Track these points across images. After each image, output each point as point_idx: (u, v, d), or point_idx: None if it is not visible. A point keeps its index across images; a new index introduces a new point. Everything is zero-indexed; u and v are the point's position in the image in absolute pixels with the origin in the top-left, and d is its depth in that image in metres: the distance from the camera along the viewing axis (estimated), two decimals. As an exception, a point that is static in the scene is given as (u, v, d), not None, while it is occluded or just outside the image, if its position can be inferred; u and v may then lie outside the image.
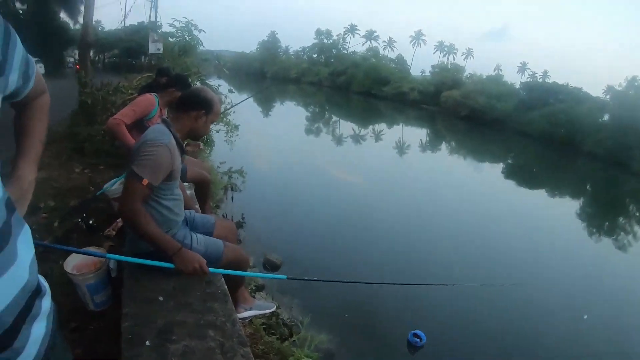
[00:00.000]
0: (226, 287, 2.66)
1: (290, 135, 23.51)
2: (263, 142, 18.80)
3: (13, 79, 1.08)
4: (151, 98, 4.25)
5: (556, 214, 17.79)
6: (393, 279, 2.71)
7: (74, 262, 2.94)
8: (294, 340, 4.25)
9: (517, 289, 7.61)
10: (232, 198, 10.02)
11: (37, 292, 1.07)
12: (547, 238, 13.01)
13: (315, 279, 2.86)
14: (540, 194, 21.86)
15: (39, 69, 1.28)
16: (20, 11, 33.92)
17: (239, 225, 8.76)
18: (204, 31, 10.71)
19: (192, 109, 2.58)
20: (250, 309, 3.11)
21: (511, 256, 10.64)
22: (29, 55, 1.17)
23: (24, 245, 1.03)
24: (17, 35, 1.05)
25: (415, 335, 6.10)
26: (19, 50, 1.07)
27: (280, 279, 7.19)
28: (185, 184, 4.15)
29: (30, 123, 1.40)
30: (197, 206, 3.86)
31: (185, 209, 2.92)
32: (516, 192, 21.08)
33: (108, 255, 2.61)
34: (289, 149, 18.75)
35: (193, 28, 10.57)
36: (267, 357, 3.30)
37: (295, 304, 6.59)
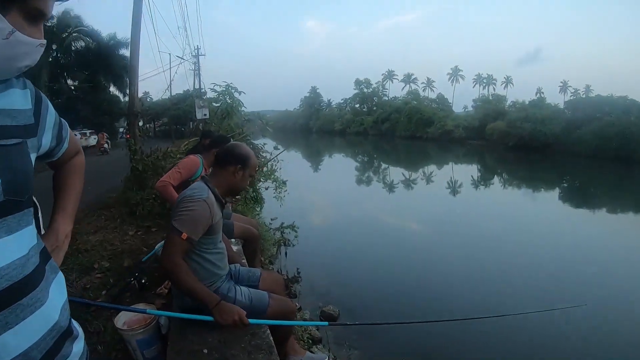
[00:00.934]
0: (272, 338, 2.67)
1: (341, 186, 23.64)
2: (314, 196, 18.95)
3: (47, 140, 1.24)
4: (195, 159, 4.49)
5: (621, 231, 16.90)
6: (459, 314, 2.64)
7: (124, 319, 3.07)
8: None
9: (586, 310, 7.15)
10: (286, 253, 10.07)
11: (68, 334, 1.18)
12: (616, 258, 12.33)
13: (357, 322, 2.85)
14: (601, 214, 20.89)
15: (73, 134, 1.43)
16: (72, 87, 36.62)
17: (295, 280, 8.75)
18: (244, 92, 11.15)
19: (229, 164, 2.69)
20: (301, 360, 3.11)
21: (578, 279, 10.27)
22: (62, 119, 1.33)
23: (57, 290, 1.16)
24: (48, 101, 1.22)
25: None
26: (50, 114, 1.23)
27: (327, 327, 7.22)
28: (232, 240, 4.26)
29: (66, 181, 1.53)
30: (244, 261, 3.93)
31: (230, 263, 3.00)
32: (576, 215, 20.28)
33: (148, 310, 2.72)
34: (341, 201, 18.79)
35: (233, 90, 10.98)
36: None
37: (355, 355, 6.47)
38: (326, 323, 2.61)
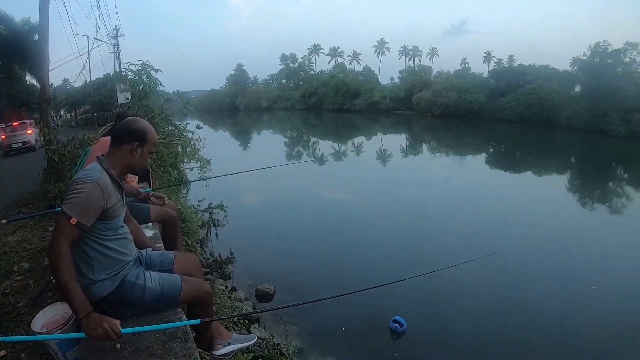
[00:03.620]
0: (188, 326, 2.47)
1: (270, 163, 23.38)
2: (244, 175, 18.60)
3: None
4: (106, 140, 4.08)
5: (546, 191, 17.82)
6: (381, 280, 2.62)
7: (42, 321, 2.69)
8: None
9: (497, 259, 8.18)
10: (217, 235, 9.79)
11: None
12: (541, 217, 13.01)
13: (261, 310, 2.64)
14: (527, 176, 21.88)
15: None
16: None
17: (228, 261, 8.55)
18: (160, 71, 10.57)
19: (125, 142, 2.39)
20: (229, 343, 2.88)
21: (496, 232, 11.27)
22: None
23: None
24: None
25: (395, 321, 6.58)
26: None
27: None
28: (149, 224, 3.95)
29: None
30: (160, 245, 3.64)
31: (141, 248, 2.73)
32: (503, 178, 21.17)
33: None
34: (271, 178, 18.57)
35: (149, 69, 10.40)
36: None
37: (294, 330, 6.40)
38: (198, 321, 2.36)
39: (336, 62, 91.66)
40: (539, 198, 16.17)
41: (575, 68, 43.41)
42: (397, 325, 6.54)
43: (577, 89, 41.10)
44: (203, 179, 9.06)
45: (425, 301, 7.42)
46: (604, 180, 20.87)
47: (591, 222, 13.60)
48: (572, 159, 27.96)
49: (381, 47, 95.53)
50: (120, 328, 2.08)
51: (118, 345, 2.25)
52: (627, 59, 38.83)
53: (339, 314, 6.85)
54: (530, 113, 40.56)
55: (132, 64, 10.50)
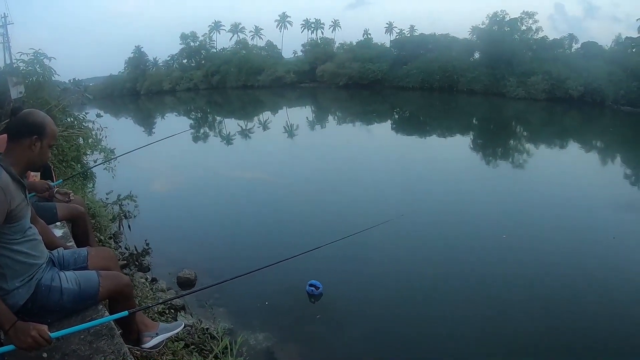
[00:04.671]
0: (112, 321, 2.42)
1: (177, 147, 22.76)
2: (150, 162, 18.02)
3: None
4: (2, 138, 3.79)
5: (451, 151, 18.81)
6: (300, 249, 2.70)
7: None
8: (216, 353, 4.05)
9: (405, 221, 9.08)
10: (130, 227, 9.45)
11: None
12: (449, 176, 13.82)
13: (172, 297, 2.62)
14: (432, 139, 22.91)
15: None
16: None
17: (145, 252, 8.30)
18: (54, 58, 9.88)
19: (23, 137, 2.21)
20: (157, 334, 2.84)
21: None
22: None
23: None
24: None
25: (311, 285, 7.04)
26: None
27: (187, 295, 7.13)
28: (57, 223, 3.77)
29: None
30: (71, 244, 3.49)
31: (52, 249, 2.61)
32: (410, 142, 21.98)
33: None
34: (179, 163, 18.14)
35: (42, 58, 9.70)
36: (191, 378, 3.07)
37: (220, 313, 6.42)
38: (126, 313, 2.34)
39: (238, 39, 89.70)
40: (444, 158, 17.07)
41: (475, 36, 45.71)
42: (313, 288, 7.00)
43: (477, 55, 43.50)
44: (103, 162, 8.71)
45: (339, 265, 7.82)
46: (505, 138, 22.36)
47: (495, 177, 14.61)
48: (473, 120, 29.52)
49: (283, 21, 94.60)
50: (49, 333, 1.99)
51: (44, 355, 2.15)
52: (524, 27, 41.72)
53: (261, 288, 7.01)
54: (432, 79, 42.41)
55: (23, 54, 9.74)
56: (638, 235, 9.76)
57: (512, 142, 21.83)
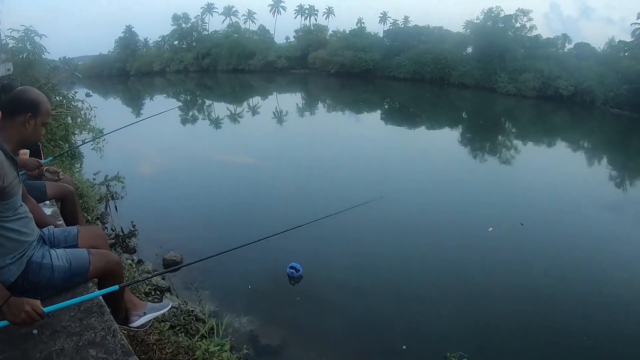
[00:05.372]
0: (102, 298, 2.44)
1: (165, 130, 22.63)
2: (138, 144, 17.92)
3: None
4: None
5: (439, 143, 18.99)
6: (283, 227, 2.79)
7: None
8: (202, 333, 4.09)
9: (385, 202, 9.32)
10: (116, 208, 9.41)
11: None
12: (435, 168, 13.98)
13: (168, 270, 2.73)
14: (420, 130, 23.03)
15: None
16: None
17: (132, 234, 8.29)
18: (45, 36, 9.74)
19: (17, 114, 2.25)
20: (144, 313, 2.87)
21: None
22: None
23: None
24: None
25: (291, 267, 7.30)
26: None
27: (172, 274, 7.20)
28: (46, 202, 3.77)
29: None
30: (61, 222, 3.49)
31: (43, 227, 2.62)
32: (398, 132, 22.10)
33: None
34: (167, 145, 18.05)
35: (33, 35, 9.56)
36: (176, 359, 3.10)
37: (206, 295, 6.47)
38: (117, 287, 2.37)
39: (230, 22, 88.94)
40: (431, 149, 17.27)
41: (468, 30, 45.75)
42: (293, 271, 7.27)
43: (469, 50, 43.65)
44: (91, 140, 8.66)
45: (319, 246, 8.23)
46: (494, 133, 22.56)
47: (481, 170, 14.81)
48: (463, 114, 29.69)
49: (277, 6, 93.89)
50: (42, 308, 2.02)
51: (35, 331, 2.16)
52: (518, 25, 41.94)
53: (244, 270, 7.30)
54: (424, 71, 42.55)
55: (14, 31, 9.58)
56: (616, 228, 10.44)
57: (500, 137, 22.05)
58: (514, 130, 24.43)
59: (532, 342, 6.01)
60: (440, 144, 18.84)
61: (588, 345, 6.02)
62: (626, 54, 38.24)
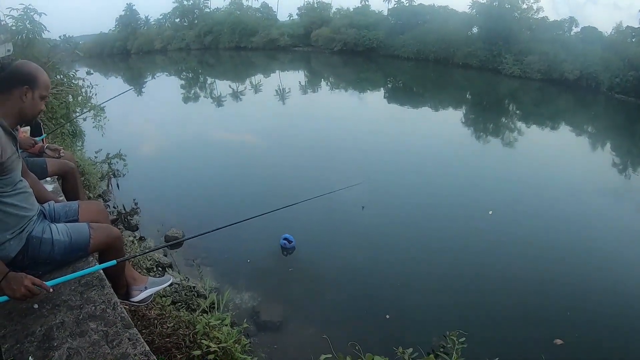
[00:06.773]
0: (102, 272, 2.45)
1: (168, 108, 22.57)
2: (140, 121, 17.90)
3: None
4: None
5: (441, 124, 18.94)
6: (284, 203, 2.84)
7: None
8: (203, 308, 4.13)
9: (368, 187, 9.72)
10: (119, 185, 9.46)
11: None
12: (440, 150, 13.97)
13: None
14: (424, 110, 22.95)
15: None
16: None
17: (134, 212, 8.34)
18: (45, 14, 9.64)
19: (14, 87, 2.23)
20: (146, 288, 2.88)
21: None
22: None
23: None
24: None
25: (285, 239, 7.73)
26: None
27: (171, 250, 7.30)
28: (47, 178, 3.78)
29: None
30: (62, 199, 3.50)
31: (43, 202, 2.63)
32: (401, 112, 22.03)
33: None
34: (170, 123, 18.04)
35: (33, 13, 9.45)
36: (177, 333, 3.14)
37: (207, 271, 6.55)
38: (114, 262, 2.38)
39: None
40: (433, 129, 17.24)
41: (474, 10, 45.08)
42: (286, 242, 7.71)
43: (475, 30, 43.07)
44: (88, 111, 8.71)
45: (313, 223, 8.65)
46: (497, 115, 22.46)
47: (483, 151, 14.80)
48: (467, 95, 29.52)
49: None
50: (45, 283, 2.04)
51: (35, 305, 2.17)
52: (525, 6, 41.25)
53: (242, 246, 7.58)
54: (428, 51, 42.06)
55: (13, 9, 9.47)
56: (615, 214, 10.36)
57: (503, 119, 21.94)
58: (517, 112, 24.28)
59: (530, 323, 6.06)
60: (442, 124, 18.87)
61: (587, 322, 6.13)
62: (634, 40, 37.69)
